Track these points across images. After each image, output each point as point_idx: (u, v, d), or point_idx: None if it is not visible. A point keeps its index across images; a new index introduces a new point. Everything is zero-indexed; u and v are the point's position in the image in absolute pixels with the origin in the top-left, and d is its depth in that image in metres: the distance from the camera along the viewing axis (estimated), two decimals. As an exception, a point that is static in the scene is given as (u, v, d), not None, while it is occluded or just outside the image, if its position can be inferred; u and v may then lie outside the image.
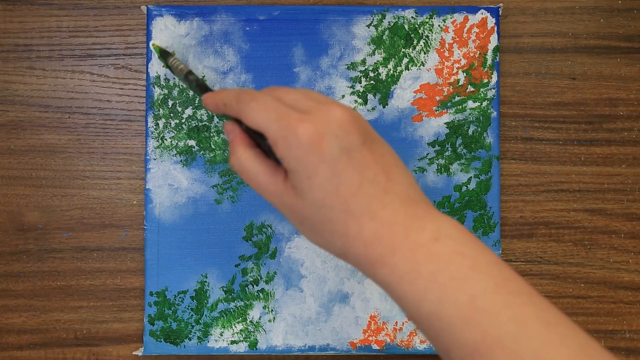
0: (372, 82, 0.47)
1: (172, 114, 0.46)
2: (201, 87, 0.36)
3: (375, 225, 0.29)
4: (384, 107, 0.47)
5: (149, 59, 0.46)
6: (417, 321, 0.29)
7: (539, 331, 0.26)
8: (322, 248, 0.31)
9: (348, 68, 0.47)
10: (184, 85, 0.46)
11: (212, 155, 0.46)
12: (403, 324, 0.46)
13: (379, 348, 0.46)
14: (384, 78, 0.47)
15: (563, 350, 0.26)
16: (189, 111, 0.46)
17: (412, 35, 0.47)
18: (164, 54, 0.43)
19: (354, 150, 0.29)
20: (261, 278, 0.46)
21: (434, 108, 0.47)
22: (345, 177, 0.29)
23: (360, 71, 0.47)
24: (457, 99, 0.47)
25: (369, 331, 0.46)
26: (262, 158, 0.31)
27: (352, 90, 0.47)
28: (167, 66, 0.42)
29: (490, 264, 0.28)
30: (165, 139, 0.46)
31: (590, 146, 0.48)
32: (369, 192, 0.29)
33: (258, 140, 0.31)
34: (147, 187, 0.46)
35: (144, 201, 0.46)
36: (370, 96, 0.47)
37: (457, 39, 0.47)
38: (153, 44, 0.46)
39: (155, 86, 0.46)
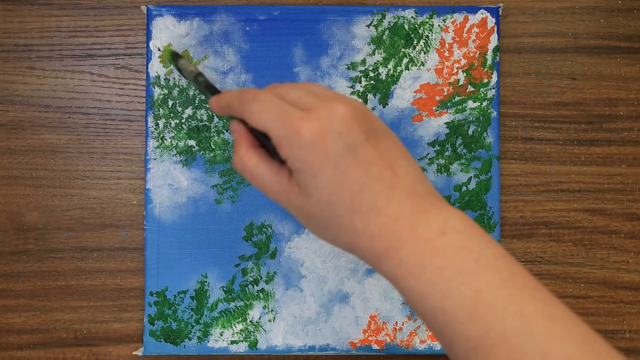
0: (372, 82, 0.47)
1: (172, 114, 0.46)
2: (210, 88, 0.36)
3: (382, 220, 0.29)
4: (384, 107, 0.47)
5: (149, 59, 0.46)
6: (421, 314, 0.29)
7: (544, 326, 0.26)
8: (330, 243, 0.31)
9: (348, 68, 0.47)
10: (189, 85, 0.46)
11: (212, 155, 0.46)
12: (403, 324, 0.46)
13: (379, 348, 0.46)
14: (384, 78, 0.47)
15: (568, 346, 0.26)
16: (189, 111, 0.46)
17: (412, 35, 0.47)
18: (175, 57, 0.43)
19: (358, 147, 0.29)
20: (261, 278, 0.46)
21: (434, 108, 0.47)
22: (350, 174, 0.29)
23: (360, 71, 0.47)
24: (457, 99, 0.47)
25: (369, 331, 0.46)
26: (266, 158, 0.31)
27: (352, 90, 0.47)
28: (178, 68, 0.42)
29: (496, 257, 0.28)
30: (165, 139, 0.46)
31: (590, 146, 0.48)
32: (374, 189, 0.29)
33: (263, 140, 0.31)
34: (147, 187, 0.46)
35: (144, 201, 0.46)
36: (370, 96, 0.47)
37: (457, 39, 0.47)
38: (165, 47, 0.45)
39: (155, 86, 0.46)
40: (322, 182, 0.29)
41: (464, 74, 0.47)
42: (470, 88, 0.47)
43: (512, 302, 0.26)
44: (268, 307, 0.46)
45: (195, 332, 0.46)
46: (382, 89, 0.47)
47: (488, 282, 0.27)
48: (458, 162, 0.47)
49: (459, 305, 0.27)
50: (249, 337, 0.46)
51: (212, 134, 0.46)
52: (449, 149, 0.47)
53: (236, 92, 0.32)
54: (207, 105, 0.46)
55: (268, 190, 0.31)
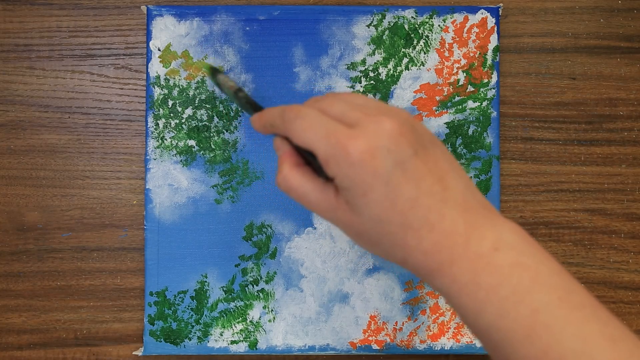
0: (372, 82, 0.47)
1: (172, 114, 0.46)
2: (251, 104, 0.35)
3: (434, 236, 0.28)
4: (384, 107, 0.47)
5: (149, 59, 0.46)
6: (475, 332, 0.28)
7: (604, 348, 0.25)
8: (382, 257, 0.31)
9: (348, 68, 0.47)
10: (189, 85, 0.46)
11: (212, 155, 0.46)
12: (403, 324, 0.46)
13: (379, 348, 0.46)
14: (384, 78, 0.47)
15: None
16: (189, 111, 0.46)
17: (412, 35, 0.47)
18: (214, 72, 0.42)
19: (407, 163, 0.28)
20: (261, 278, 0.46)
21: (434, 108, 0.47)
22: (400, 191, 0.28)
23: (360, 71, 0.47)
24: (457, 99, 0.47)
25: (369, 331, 0.46)
26: (310, 176, 0.31)
27: (352, 90, 0.47)
28: (217, 84, 0.41)
29: (552, 274, 0.27)
30: (165, 139, 0.46)
31: (590, 146, 0.48)
32: (426, 204, 0.28)
33: (308, 158, 0.31)
34: (147, 187, 0.46)
35: (144, 201, 0.46)
36: (370, 96, 0.47)
37: (457, 39, 0.47)
38: (202, 62, 0.45)
39: (155, 86, 0.46)
40: (373, 200, 0.28)
41: (464, 74, 0.47)
42: (470, 88, 0.47)
43: (570, 323, 0.26)
44: (268, 307, 0.46)
45: (195, 332, 0.46)
46: (382, 89, 0.47)
47: (545, 302, 0.26)
48: (458, 162, 0.47)
49: (515, 325, 0.26)
50: (249, 337, 0.46)
51: (212, 134, 0.46)
52: (449, 149, 0.47)
53: (278, 109, 0.31)
54: (208, 105, 0.46)
55: (314, 208, 0.31)
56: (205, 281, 0.46)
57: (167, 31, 0.46)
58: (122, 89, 0.48)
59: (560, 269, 0.28)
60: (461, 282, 0.28)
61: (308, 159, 0.31)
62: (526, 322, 0.26)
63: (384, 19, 0.47)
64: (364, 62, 0.47)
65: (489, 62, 0.47)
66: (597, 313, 0.27)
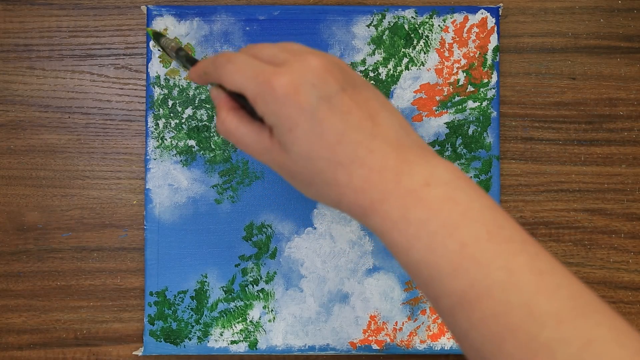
0: (372, 82, 0.47)
1: (172, 114, 0.46)
2: (191, 62, 0.36)
3: (365, 172, 0.28)
4: (384, 107, 0.47)
5: (149, 59, 0.46)
6: (407, 269, 0.28)
7: (530, 280, 0.25)
8: (318, 200, 0.30)
9: (348, 68, 0.47)
10: (189, 85, 0.46)
11: (212, 155, 0.46)
12: (403, 324, 0.46)
13: (378, 348, 0.46)
14: (384, 78, 0.47)
15: (554, 300, 0.25)
16: (189, 111, 0.46)
17: (412, 35, 0.47)
18: (157, 36, 0.42)
19: (333, 97, 0.28)
20: (261, 278, 0.46)
21: (434, 108, 0.47)
22: (327, 125, 0.28)
23: (360, 71, 0.47)
24: (457, 98, 0.47)
25: (368, 331, 0.46)
26: (247, 119, 0.31)
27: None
28: (161, 47, 0.42)
29: (484, 209, 0.27)
30: (165, 139, 0.46)
31: (590, 146, 0.48)
32: (354, 139, 0.28)
33: (242, 103, 0.31)
34: (147, 187, 0.46)
35: (144, 201, 0.46)
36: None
37: (457, 39, 0.47)
38: (148, 29, 0.45)
39: (155, 86, 0.46)
40: (300, 136, 0.28)
41: (464, 74, 0.47)
42: (470, 88, 0.47)
43: (498, 256, 0.26)
44: (268, 307, 0.46)
45: (195, 332, 0.46)
46: (382, 89, 0.47)
47: (474, 236, 0.26)
48: (458, 162, 0.47)
49: (443, 259, 0.26)
50: (249, 337, 0.46)
51: (212, 134, 0.46)
52: (449, 149, 0.47)
53: (211, 58, 0.32)
54: (208, 105, 0.46)
55: (251, 151, 0.31)
56: (205, 281, 0.46)
57: (167, 31, 0.46)
58: (122, 89, 0.48)
59: (493, 205, 0.28)
60: (392, 219, 0.27)
61: (242, 103, 0.31)
62: (454, 256, 0.26)
63: (384, 19, 0.47)
64: (364, 62, 0.47)
65: (489, 62, 0.47)
66: (526, 247, 0.26)
